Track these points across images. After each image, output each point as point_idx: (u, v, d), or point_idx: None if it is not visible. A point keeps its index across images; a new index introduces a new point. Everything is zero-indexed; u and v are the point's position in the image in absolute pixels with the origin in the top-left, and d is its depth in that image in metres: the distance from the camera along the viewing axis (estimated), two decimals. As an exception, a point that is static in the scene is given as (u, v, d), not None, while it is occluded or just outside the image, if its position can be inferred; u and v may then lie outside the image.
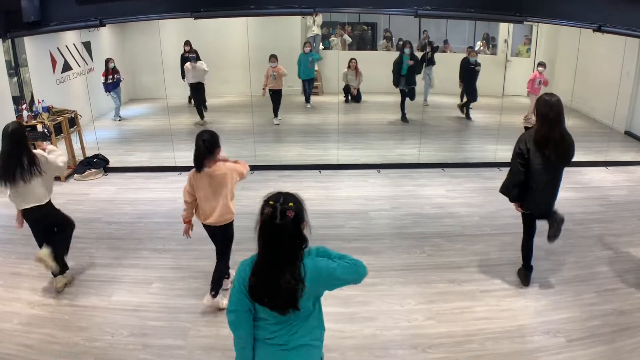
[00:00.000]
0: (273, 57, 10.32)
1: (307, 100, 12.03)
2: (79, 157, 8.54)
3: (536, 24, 11.55)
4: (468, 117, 11.14)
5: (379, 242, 5.97)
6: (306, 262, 2.58)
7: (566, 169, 7.12)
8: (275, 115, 10.71)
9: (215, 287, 4.71)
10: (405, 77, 10.66)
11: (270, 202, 2.51)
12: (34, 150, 4.70)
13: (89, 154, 8.57)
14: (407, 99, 10.98)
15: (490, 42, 14.15)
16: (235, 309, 2.69)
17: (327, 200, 7.11)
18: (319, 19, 13.35)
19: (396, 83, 10.85)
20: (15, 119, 8.02)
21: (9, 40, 8.06)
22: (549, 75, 10.37)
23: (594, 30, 7.39)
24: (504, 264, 5.50)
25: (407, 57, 10.55)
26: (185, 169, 8.26)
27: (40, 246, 4.85)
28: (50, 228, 5.02)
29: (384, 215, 6.70)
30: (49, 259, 4.77)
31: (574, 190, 7.53)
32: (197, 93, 10.74)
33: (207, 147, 4.35)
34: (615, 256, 5.65)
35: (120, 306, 4.77)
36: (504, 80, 10.75)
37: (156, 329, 4.46)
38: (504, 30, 13.51)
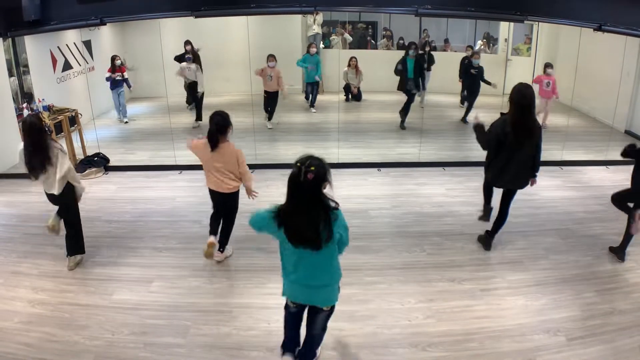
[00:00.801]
0: (271, 57, 10.02)
1: (312, 105, 11.68)
2: (80, 156, 8.54)
3: (537, 23, 11.53)
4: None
5: (379, 240, 5.98)
6: (333, 216, 3.19)
7: (566, 168, 7.15)
8: (270, 118, 10.40)
9: (223, 244, 5.51)
10: (412, 80, 10.21)
11: (297, 164, 3.10)
12: (54, 144, 5.07)
13: (90, 152, 8.58)
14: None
15: (491, 42, 14.15)
16: (259, 227, 3.39)
17: (327, 199, 7.10)
18: (320, 17, 13.34)
19: (403, 87, 10.30)
20: (15, 118, 8.07)
21: (10, 39, 8.06)
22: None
23: (594, 30, 7.38)
24: (504, 263, 5.51)
25: (412, 60, 10.14)
26: (186, 167, 8.33)
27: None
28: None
29: (385, 214, 6.70)
30: (56, 223, 5.32)
31: (574, 189, 7.53)
32: (195, 92, 10.57)
33: (218, 128, 4.98)
34: (615, 255, 5.64)
35: (121, 304, 4.77)
36: (504, 80, 10.74)
37: (156, 327, 4.47)
38: (505, 29, 13.51)
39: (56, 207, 5.37)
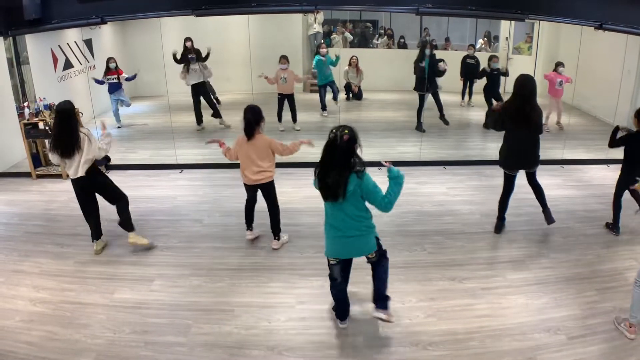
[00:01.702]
0: (283, 59, 9.85)
1: (324, 108, 11.32)
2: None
3: (538, 21, 11.52)
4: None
5: (379, 239, 5.97)
6: (360, 176, 3.86)
7: (567, 167, 7.14)
8: (294, 120, 10.29)
9: (276, 232, 5.76)
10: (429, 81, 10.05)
11: (333, 130, 3.82)
12: (81, 129, 5.35)
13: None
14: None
15: (492, 41, 14.15)
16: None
17: (328, 198, 7.11)
18: (320, 16, 13.34)
19: (420, 87, 10.16)
20: (16, 116, 8.08)
21: (11, 37, 8.06)
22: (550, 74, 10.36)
23: (595, 28, 7.38)
24: (505, 262, 5.51)
25: (427, 60, 9.95)
26: (187, 166, 8.34)
27: (85, 214, 5.65)
28: (93, 197, 5.67)
29: (385, 213, 6.68)
30: (138, 238, 5.66)
31: (575, 188, 7.53)
32: (205, 92, 10.38)
33: (255, 119, 5.40)
34: (615, 254, 5.65)
35: (122, 303, 4.78)
36: (505, 79, 10.71)
37: (157, 326, 4.47)
38: (506, 27, 13.50)
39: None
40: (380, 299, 4.30)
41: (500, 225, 6.17)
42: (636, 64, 9.73)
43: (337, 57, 10.91)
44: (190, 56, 9.96)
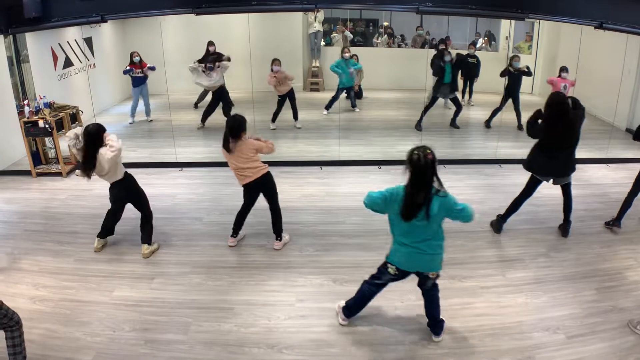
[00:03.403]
0: (276, 61, 9.73)
1: (327, 108, 11.28)
2: (81, 152, 8.55)
3: (538, 21, 11.54)
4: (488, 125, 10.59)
5: (379, 238, 5.97)
6: (442, 195, 3.86)
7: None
8: (296, 118, 10.26)
9: (278, 232, 5.72)
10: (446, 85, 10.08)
11: (415, 152, 3.78)
12: (100, 150, 5.24)
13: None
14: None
15: (485, 39, 14.15)
16: (371, 201, 4.00)
17: (328, 197, 7.12)
18: (321, 15, 13.34)
19: (438, 91, 10.20)
20: (16, 114, 8.08)
21: (11, 36, 8.07)
22: (551, 73, 10.36)
23: (595, 28, 7.39)
24: (505, 261, 5.52)
25: (449, 60, 9.99)
26: (187, 165, 8.34)
27: (109, 212, 5.74)
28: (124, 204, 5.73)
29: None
30: (150, 250, 5.62)
31: (575, 187, 7.46)
32: (220, 97, 10.26)
33: (233, 133, 5.27)
34: (615, 253, 5.66)
35: (122, 301, 4.79)
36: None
37: (157, 324, 4.48)
38: (506, 27, 13.51)
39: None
40: (438, 325, 4.31)
41: (501, 225, 6.15)
42: (636, 63, 9.75)
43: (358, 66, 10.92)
44: (208, 65, 9.94)
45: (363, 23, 15.08)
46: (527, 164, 5.88)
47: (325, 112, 11.27)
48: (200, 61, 10.09)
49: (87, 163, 5.23)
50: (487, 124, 10.43)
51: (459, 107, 10.30)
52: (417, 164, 3.76)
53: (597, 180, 7.85)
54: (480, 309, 4.68)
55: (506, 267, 5.37)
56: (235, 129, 5.25)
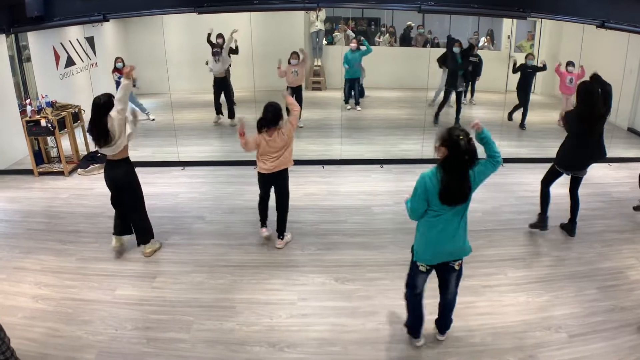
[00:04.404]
0: (294, 54, 9.82)
1: (347, 101, 11.36)
2: (83, 152, 8.57)
3: (540, 19, 11.51)
4: (522, 125, 10.46)
5: (381, 237, 5.99)
6: (474, 168, 3.82)
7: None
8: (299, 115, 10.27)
9: (282, 231, 5.75)
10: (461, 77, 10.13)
11: (458, 136, 3.63)
12: (109, 117, 5.12)
13: (93, 148, 8.58)
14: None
15: (493, 38, 14.12)
16: (416, 210, 3.97)
17: (330, 196, 7.13)
18: (322, 14, 13.32)
19: (453, 84, 10.18)
20: (18, 113, 8.09)
21: (13, 35, 8.08)
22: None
23: (597, 27, 7.38)
24: (507, 260, 5.52)
25: (460, 57, 10.03)
26: (189, 164, 8.35)
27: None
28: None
29: (387, 211, 6.70)
30: (151, 249, 5.59)
31: (577, 186, 7.53)
32: (222, 87, 10.44)
33: (274, 117, 5.38)
34: (616, 252, 5.66)
35: (124, 300, 4.80)
36: (507, 76, 10.70)
37: (159, 322, 4.49)
38: (508, 26, 13.48)
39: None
40: (448, 325, 4.26)
41: (545, 221, 6.05)
42: (638, 63, 9.72)
43: (368, 48, 10.91)
44: (215, 50, 10.09)
45: (365, 22, 15.06)
46: (561, 160, 5.91)
47: (347, 106, 11.38)
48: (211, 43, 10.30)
49: (102, 133, 5.09)
50: (521, 125, 10.42)
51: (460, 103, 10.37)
52: (459, 148, 3.64)
53: (598, 180, 7.84)
54: (482, 307, 4.68)
55: (508, 266, 5.37)
56: (277, 113, 5.39)
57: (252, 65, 9.46)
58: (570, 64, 9.72)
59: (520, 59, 10.63)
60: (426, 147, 8.85)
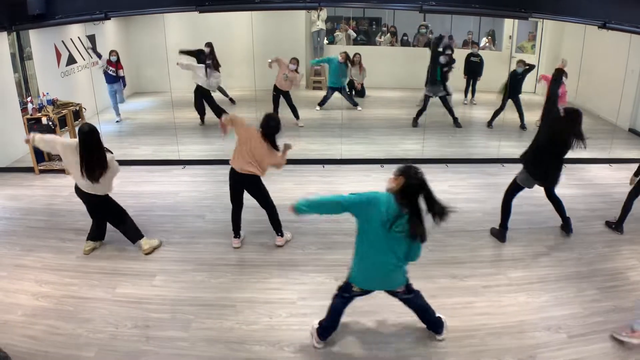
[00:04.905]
0: (294, 60, 9.89)
1: (321, 104, 11.45)
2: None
3: (541, 20, 11.51)
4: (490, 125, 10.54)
5: (381, 237, 5.98)
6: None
7: (569, 166, 7.14)
8: (297, 117, 10.32)
9: (277, 228, 5.72)
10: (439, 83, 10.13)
11: (406, 172, 3.73)
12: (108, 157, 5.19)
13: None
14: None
15: (495, 38, 14.11)
16: (352, 206, 4.00)
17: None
18: (324, 13, 13.33)
19: (430, 90, 10.22)
20: (20, 111, 8.10)
21: (14, 33, 8.08)
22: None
23: (599, 27, 7.37)
24: (506, 260, 5.52)
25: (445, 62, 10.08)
26: (190, 162, 8.35)
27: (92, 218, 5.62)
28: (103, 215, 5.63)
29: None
30: (149, 245, 5.61)
31: (577, 187, 7.53)
32: (204, 96, 10.29)
33: (273, 132, 5.33)
34: (617, 253, 5.66)
35: (124, 298, 4.80)
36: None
37: (159, 320, 4.50)
38: (509, 26, 13.48)
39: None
40: (437, 325, 4.27)
41: (504, 233, 5.96)
42: (639, 63, 9.72)
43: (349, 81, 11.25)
44: (207, 62, 9.95)
45: (366, 22, 15.06)
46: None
47: (317, 107, 11.44)
48: (192, 53, 10.13)
49: (95, 164, 5.06)
50: (521, 125, 10.36)
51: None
52: (413, 176, 3.74)
53: (599, 180, 7.85)
54: (482, 308, 4.69)
55: (508, 267, 5.37)
56: (273, 129, 5.30)
57: (252, 64, 9.46)
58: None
59: (523, 58, 10.63)
60: (427, 147, 8.87)
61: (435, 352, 4.14)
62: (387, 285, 4.00)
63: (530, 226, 6.25)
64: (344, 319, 4.41)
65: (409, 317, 4.52)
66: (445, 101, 10.33)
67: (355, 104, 11.58)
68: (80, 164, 5.02)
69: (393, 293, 4.05)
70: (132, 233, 5.64)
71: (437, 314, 4.26)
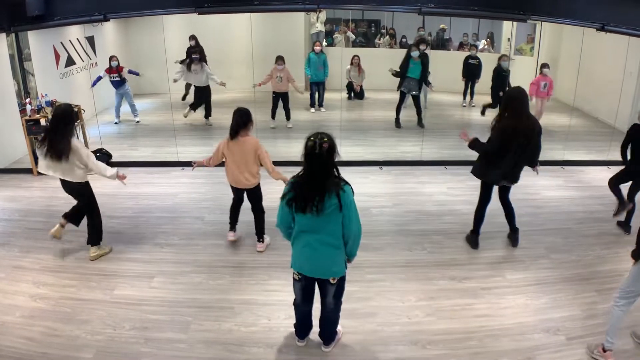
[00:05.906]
0: (280, 59, 9.86)
1: (313, 105, 11.51)
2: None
3: (540, 22, 11.52)
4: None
5: (380, 238, 5.99)
6: (340, 190, 3.52)
7: (568, 168, 7.15)
8: (288, 118, 10.33)
9: (260, 233, 5.73)
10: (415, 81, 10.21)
11: (311, 138, 3.48)
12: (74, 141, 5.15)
13: (92, 148, 8.56)
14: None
15: (472, 41, 14.13)
16: (281, 222, 3.81)
17: (328, 197, 7.12)
18: (323, 15, 13.34)
19: (405, 86, 10.37)
20: (18, 113, 8.09)
21: (13, 34, 8.08)
22: (552, 75, 10.35)
23: (597, 30, 7.38)
24: (505, 262, 5.52)
25: (415, 61, 10.15)
26: (189, 164, 8.31)
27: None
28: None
29: (386, 212, 6.71)
30: (96, 253, 5.51)
31: (576, 189, 7.53)
32: (204, 96, 10.34)
33: (242, 120, 5.24)
34: (615, 255, 5.66)
35: (122, 300, 4.79)
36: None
37: (158, 322, 4.49)
38: (508, 28, 13.50)
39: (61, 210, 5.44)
40: (328, 336, 4.20)
41: (476, 240, 5.86)
42: (638, 65, 9.73)
43: (326, 72, 11.26)
44: (193, 56, 9.91)
45: (365, 24, 15.07)
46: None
47: (312, 109, 11.51)
48: (182, 61, 10.13)
49: (57, 142, 5.04)
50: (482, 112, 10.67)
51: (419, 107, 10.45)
52: (311, 151, 3.46)
53: (598, 183, 7.83)
54: (481, 310, 4.68)
55: (506, 269, 5.37)
56: (244, 116, 5.24)
57: (252, 66, 9.46)
58: (545, 66, 9.79)
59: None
60: (425, 149, 8.87)
61: (434, 354, 4.14)
62: (320, 272, 3.83)
63: (529, 228, 6.24)
64: (343, 321, 4.42)
65: (407, 319, 4.53)
66: (417, 100, 10.38)
67: (321, 104, 11.62)
68: (44, 138, 5.15)
69: (325, 283, 3.89)
70: (95, 234, 5.56)
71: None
